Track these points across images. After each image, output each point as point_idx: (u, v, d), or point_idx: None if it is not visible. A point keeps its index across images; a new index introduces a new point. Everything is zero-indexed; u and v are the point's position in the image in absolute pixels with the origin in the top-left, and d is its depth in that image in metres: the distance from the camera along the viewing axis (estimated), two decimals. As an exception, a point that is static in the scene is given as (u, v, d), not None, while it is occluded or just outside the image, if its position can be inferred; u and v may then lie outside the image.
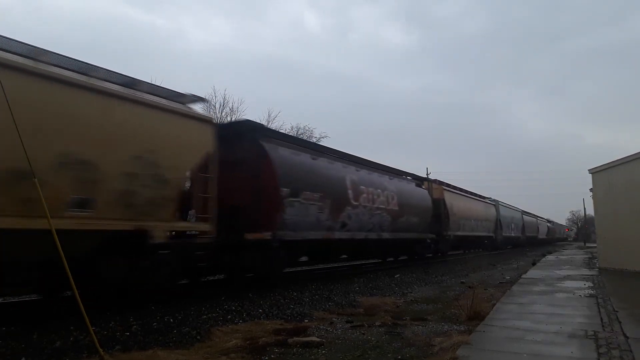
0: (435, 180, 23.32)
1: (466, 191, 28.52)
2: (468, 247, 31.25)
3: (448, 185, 24.84)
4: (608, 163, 16.59)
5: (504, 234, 36.16)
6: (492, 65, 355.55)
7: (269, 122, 34.15)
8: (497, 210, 35.22)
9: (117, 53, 60.64)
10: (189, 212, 8.67)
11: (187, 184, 8.45)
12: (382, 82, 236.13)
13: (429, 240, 19.75)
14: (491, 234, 32.82)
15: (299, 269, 14.63)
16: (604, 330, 6.05)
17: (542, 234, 61.33)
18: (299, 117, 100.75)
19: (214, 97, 32.81)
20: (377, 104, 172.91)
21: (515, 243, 42.84)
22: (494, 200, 35.99)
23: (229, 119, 30.20)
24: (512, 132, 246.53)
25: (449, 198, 22.92)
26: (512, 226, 40.27)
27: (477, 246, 32.51)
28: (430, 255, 21.78)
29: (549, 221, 75.10)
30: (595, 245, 23.61)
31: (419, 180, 20.55)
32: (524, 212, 48.20)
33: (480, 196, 32.42)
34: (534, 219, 56.52)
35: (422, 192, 20.02)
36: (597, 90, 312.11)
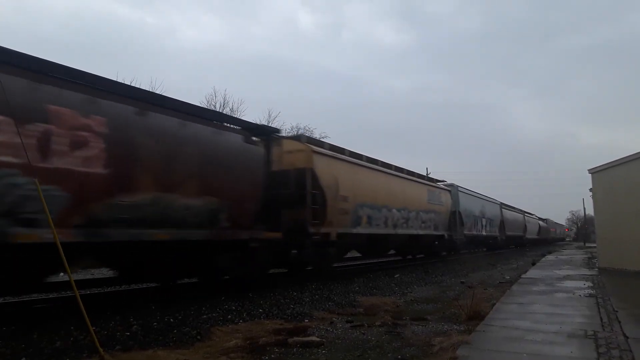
0: (296, 137, 13.54)
1: (385, 164, 17.58)
2: (401, 252, 21.70)
3: (334, 148, 14.24)
4: (608, 163, 16.61)
5: (466, 232, 26.16)
6: (487, 64, 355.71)
7: (269, 122, 34.18)
8: (456, 199, 25.28)
9: (106, 50, 60.49)
10: None
11: None
12: (377, 81, 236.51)
13: (255, 245, 9.93)
14: (442, 233, 22.73)
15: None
16: (603, 330, 6.06)
17: (531, 234, 51.61)
18: (295, 117, 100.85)
19: (214, 97, 32.83)
20: (373, 103, 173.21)
21: (490, 245, 33.80)
22: (451, 185, 25.84)
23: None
24: (510, 132, 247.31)
25: (329, 169, 13.04)
26: (483, 222, 30.47)
27: (421, 250, 22.34)
28: (286, 270, 13.46)
29: (541, 219, 65.18)
30: (594, 245, 23.62)
31: (251, 132, 10.70)
32: (504, 206, 38.45)
33: (421, 176, 21.91)
34: (520, 215, 47.05)
35: (244, 150, 10.03)
36: (593, 89, 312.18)
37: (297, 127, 35.51)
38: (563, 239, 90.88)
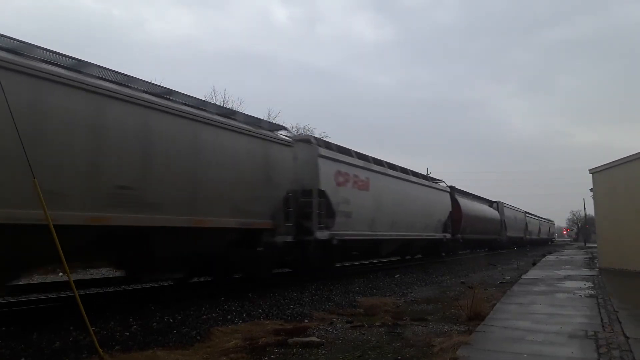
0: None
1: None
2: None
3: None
4: (608, 163, 16.59)
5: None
6: (471, 59, 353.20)
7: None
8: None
9: (69, 40, 59.63)
10: None
11: None
12: (358, 78, 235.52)
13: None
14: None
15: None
16: (604, 330, 6.04)
17: (424, 229, 20.03)
18: (281, 114, 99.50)
19: (213, 97, 32.78)
20: (359, 99, 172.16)
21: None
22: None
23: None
24: (505, 130, 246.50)
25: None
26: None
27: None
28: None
29: (496, 202, 36.87)
30: (595, 245, 23.60)
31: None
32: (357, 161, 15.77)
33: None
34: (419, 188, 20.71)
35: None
36: (583, 85, 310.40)
37: (297, 126, 35.42)
38: (550, 241, 70.73)
